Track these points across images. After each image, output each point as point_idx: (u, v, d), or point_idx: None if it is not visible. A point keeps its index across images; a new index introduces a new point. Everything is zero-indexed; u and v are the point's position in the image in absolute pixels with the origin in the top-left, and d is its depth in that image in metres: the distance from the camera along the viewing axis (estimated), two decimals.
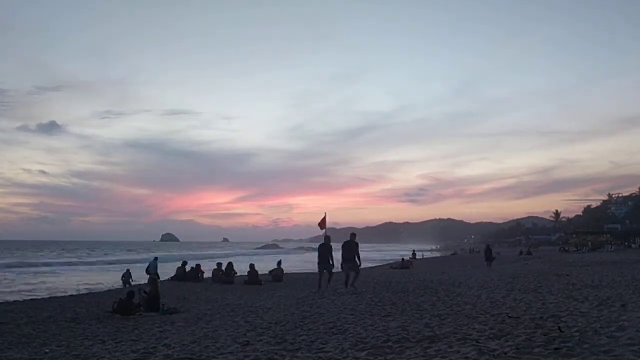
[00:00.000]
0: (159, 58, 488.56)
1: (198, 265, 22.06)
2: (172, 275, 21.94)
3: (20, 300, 16.13)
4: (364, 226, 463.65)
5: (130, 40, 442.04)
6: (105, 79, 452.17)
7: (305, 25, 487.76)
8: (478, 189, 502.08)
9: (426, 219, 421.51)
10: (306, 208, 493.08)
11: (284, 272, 22.31)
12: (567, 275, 17.60)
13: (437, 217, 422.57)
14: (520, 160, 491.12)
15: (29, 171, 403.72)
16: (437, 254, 74.83)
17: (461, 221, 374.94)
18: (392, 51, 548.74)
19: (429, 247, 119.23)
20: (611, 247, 51.18)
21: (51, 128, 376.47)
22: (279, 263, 22.06)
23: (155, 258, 22.40)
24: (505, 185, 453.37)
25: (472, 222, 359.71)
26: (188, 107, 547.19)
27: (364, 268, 36.39)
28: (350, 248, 15.10)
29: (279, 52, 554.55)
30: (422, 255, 58.83)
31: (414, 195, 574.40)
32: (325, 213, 29.55)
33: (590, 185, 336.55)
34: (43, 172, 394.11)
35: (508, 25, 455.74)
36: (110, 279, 25.06)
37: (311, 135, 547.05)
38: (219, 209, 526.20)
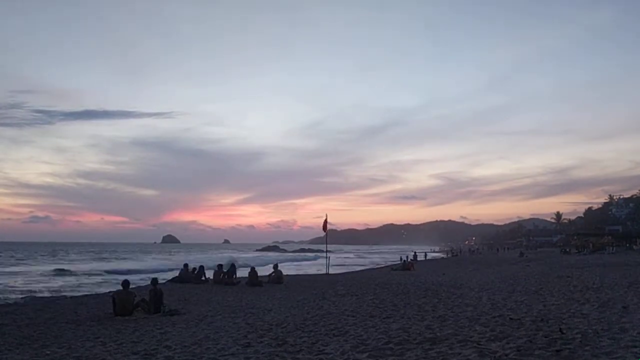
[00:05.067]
0: (168, 54, 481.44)
1: (202, 267, 22.04)
2: (174, 276, 21.94)
3: (21, 301, 16.13)
4: (365, 228, 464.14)
5: (138, 37, 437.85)
6: (112, 76, 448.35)
7: (321, 18, 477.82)
8: (488, 190, 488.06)
9: (427, 221, 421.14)
10: (311, 209, 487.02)
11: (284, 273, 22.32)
12: (569, 277, 17.58)
13: (438, 219, 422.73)
14: (539, 159, 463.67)
15: (34, 171, 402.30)
16: (439, 255, 74.83)
17: (462, 223, 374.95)
18: (419, 43, 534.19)
19: (429, 249, 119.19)
20: (612, 249, 51.10)
21: (57, 127, 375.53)
22: (276, 266, 22.06)
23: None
24: (517, 186, 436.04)
25: (472, 223, 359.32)
26: (199, 104, 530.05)
27: (364, 270, 36.44)
28: None
29: (296, 46, 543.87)
30: (427, 254, 61.38)
31: (419, 197, 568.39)
32: (326, 215, 29.99)
33: (607, 186, 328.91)
34: (48, 173, 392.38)
35: (531, 23, 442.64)
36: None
37: (327, 133, 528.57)
38: (223, 210, 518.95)
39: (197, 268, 21.81)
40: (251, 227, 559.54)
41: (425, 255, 51.36)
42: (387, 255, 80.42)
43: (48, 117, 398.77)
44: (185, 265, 22.53)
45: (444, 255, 72.77)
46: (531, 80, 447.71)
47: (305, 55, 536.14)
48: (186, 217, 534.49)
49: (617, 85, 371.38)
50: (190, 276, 21.07)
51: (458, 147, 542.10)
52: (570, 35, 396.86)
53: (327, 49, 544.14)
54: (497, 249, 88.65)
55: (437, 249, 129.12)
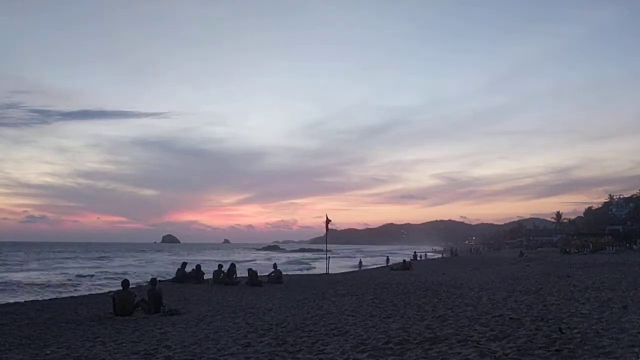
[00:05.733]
0: (169, 54, 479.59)
1: (198, 267, 22.03)
2: (173, 276, 21.94)
3: (22, 301, 16.13)
4: (365, 227, 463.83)
5: (139, 38, 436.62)
6: (113, 76, 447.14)
7: (323, 19, 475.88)
8: (489, 190, 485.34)
9: (427, 221, 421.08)
10: (312, 209, 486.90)
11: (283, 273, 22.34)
12: (569, 277, 17.59)
13: (438, 219, 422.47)
14: (540, 159, 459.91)
15: (34, 171, 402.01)
16: (437, 255, 74.78)
17: (462, 222, 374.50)
18: (420, 43, 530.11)
19: (430, 249, 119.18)
20: (612, 249, 51.11)
21: (58, 127, 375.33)
22: (275, 266, 22.06)
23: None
24: (518, 186, 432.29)
25: (472, 223, 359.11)
26: (201, 104, 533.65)
27: (364, 270, 36.44)
28: None
29: (298, 47, 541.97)
30: (427, 255, 61.66)
31: (420, 197, 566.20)
32: (326, 215, 29.96)
33: (608, 185, 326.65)
34: (49, 173, 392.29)
35: (532, 23, 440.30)
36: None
37: (329, 133, 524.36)
38: (223, 210, 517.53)
39: (194, 267, 21.79)
40: (251, 227, 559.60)
41: (417, 256, 50.74)
42: (386, 254, 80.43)
43: (48, 117, 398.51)
44: (184, 264, 22.49)
45: (436, 256, 72.43)
46: (532, 81, 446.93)
47: (307, 56, 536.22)
48: (186, 217, 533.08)
49: (619, 85, 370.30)
50: (189, 276, 21.04)
51: (459, 147, 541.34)
52: (572, 36, 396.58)
53: (328, 49, 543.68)
54: (493, 249, 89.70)
55: (438, 248, 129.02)
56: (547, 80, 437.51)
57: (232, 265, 21.67)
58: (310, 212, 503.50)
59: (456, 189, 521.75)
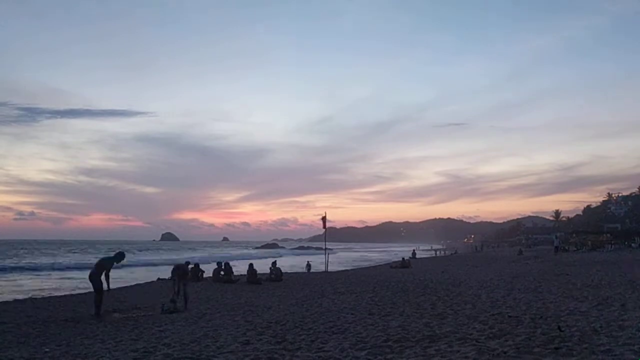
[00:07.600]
0: (173, 49, 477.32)
1: (197, 265, 22.03)
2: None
3: (20, 299, 16.13)
4: (363, 225, 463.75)
5: (143, 33, 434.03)
6: (116, 72, 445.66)
7: (329, 13, 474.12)
8: (494, 187, 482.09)
9: (425, 219, 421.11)
10: (313, 207, 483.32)
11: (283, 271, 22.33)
12: (567, 275, 17.62)
13: (437, 217, 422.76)
14: (548, 156, 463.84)
15: (36, 168, 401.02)
16: (435, 253, 74.73)
17: (460, 220, 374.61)
18: (427, 40, 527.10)
19: (428, 247, 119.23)
20: (611, 247, 51.20)
21: (60, 124, 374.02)
22: (274, 264, 22.08)
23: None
24: (523, 184, 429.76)
25: (472, 221, 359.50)
26: (206, 100, 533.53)
27: (364, 267, 36.46)
28: None
29: (304, 42, 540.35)
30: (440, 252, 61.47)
31: (423, 195, 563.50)
32: (325, 213, 29.95)
33: (612, 183, 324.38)
34: (50, 170, 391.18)
35: (541, 19, 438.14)
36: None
37: (336, 130, 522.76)
38: (224, 208, 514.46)
39: (194, 265, 21.78)
40: (251, 224, 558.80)
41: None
42: (385, 253, 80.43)
43: (49, 114, 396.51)
44: (187, 262, 22.48)
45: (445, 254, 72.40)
46: (540, 77, 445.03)
47: (312, 52, 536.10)
48: (187, 214, 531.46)
49: (628, 81, 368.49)
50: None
51: (466, 143, 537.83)
52: (579, 33, 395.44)
53: (333, 46, 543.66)
54: (481, 247, 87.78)
55: (436, 246, 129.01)
56: (556, 77, 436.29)
57: (227, 264, 21.66)
58: (311, 210, 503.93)
59: (460, 186, 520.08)
